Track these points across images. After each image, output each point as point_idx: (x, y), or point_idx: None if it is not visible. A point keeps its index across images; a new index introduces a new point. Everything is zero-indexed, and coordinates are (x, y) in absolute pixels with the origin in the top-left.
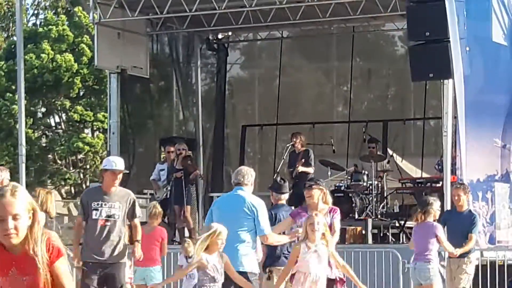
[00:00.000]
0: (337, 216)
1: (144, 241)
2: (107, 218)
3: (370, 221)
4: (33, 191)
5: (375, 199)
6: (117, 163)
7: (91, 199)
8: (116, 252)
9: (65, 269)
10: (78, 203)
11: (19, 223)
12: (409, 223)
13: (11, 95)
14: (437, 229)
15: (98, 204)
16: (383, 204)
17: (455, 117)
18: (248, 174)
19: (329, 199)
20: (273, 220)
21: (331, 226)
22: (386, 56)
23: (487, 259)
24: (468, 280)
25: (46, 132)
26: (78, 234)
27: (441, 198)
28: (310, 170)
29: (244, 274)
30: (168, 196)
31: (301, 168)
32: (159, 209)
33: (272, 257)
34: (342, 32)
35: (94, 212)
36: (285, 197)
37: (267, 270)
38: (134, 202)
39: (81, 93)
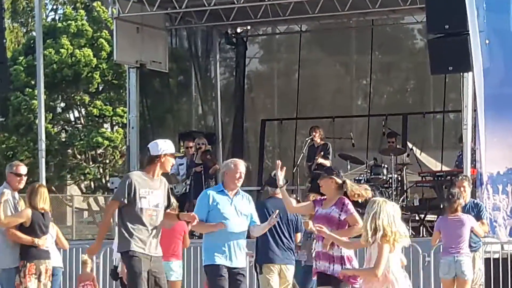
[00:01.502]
0: (347, 208)
1: (165, 235)
2: (154, 208)
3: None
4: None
5: (394, 193)
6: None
7: (139, 185)
8: (159, 246)
9: None
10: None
11: None
12: (429, 217)
13: (30, 90)
14: (472, 221)
15: (146, 192)
16: (403, 197)
17: (474, 110)
18: None
19: (346, 188)
20: (266, 212)
21: (340, 221)
22: (405, 49)
23: (508, 252)
24: (482, 275)
25: (66, 127)
26: (110, 222)
27: None
28: (327, 163)
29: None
30: (187, 191)
31: (320, 160)
32: (176, 203)
33: (263, 254)
34: (361, 26)
35: (142, 200)
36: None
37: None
38: (169, 189)
39: (100, 88)
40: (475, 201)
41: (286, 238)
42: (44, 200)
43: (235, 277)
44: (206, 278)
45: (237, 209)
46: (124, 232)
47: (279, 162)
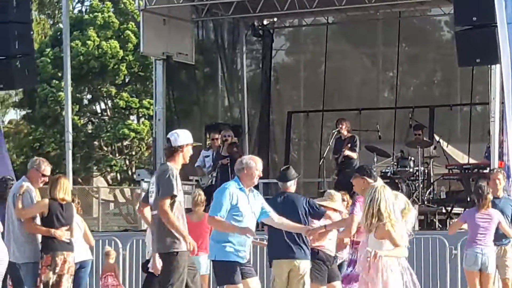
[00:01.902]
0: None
1: (193, 229)
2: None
3: (416, 207)
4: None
5: (421, 185)
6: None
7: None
8: None
9: None
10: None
11: None
12: (456, 210)
13: (57, 82)
14: (499, 216)
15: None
16: (429, 190)
17: (502, 103)
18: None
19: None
20: (279, 206)
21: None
22: (432, 41)
23: None
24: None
25: (92, 119)
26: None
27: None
28: (354, 155)
29: None
30: (213, 183)
31: (346, 152)
32: (203, 196)
33: (271, 249)
34: (388, 18)
35: (180, 193)
36: (291, 184)
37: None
38: None
39: (127, 80)
40: (506, 196)
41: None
42: (64, 191)
43: (245, 271)
44: (215, 272)
45: (251, 207)
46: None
47: None
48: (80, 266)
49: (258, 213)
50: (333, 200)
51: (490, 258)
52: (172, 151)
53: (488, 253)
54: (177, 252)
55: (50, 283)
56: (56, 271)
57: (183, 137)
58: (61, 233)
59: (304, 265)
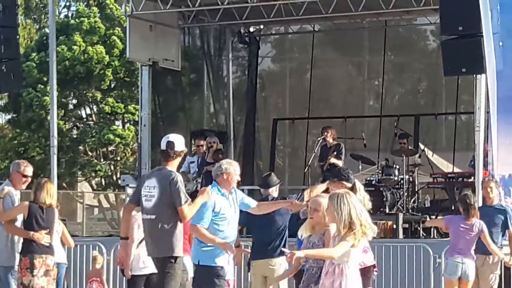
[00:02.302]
0: None
1: None
2: None
3: (401, 215)
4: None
5: (406, 194)
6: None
7: None
8: None
9: None
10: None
11: None
12: (440, 218)
13: (42, 86)
14: (483, 228)
15: None
16: (414, 198)
17: (487, 112)
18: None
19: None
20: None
21: None
22: (418, 50)
23: None
24: (495, 279)
25: (77, 123)
26: None
27: (473, 193)
28: (340, 163)
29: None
30: (198, 189)
31: (332, 160)
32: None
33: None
34: (374, 26)
35: None
36: (272, 190)
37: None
38: None
39: (112, 85)
40: (503, 205)
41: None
42: (50, 196)
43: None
44: (197, 276)
45: (234, 209)
46: (178, 234)
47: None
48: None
49: (240, 207)
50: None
51: (470, 267)
52: (174, 156)
53: (469, 262)
54: (176, 258)
55: (30, 286)
56: (35, 273)
57: (183, 143)
58: (40, 236)
59: (280, 262)
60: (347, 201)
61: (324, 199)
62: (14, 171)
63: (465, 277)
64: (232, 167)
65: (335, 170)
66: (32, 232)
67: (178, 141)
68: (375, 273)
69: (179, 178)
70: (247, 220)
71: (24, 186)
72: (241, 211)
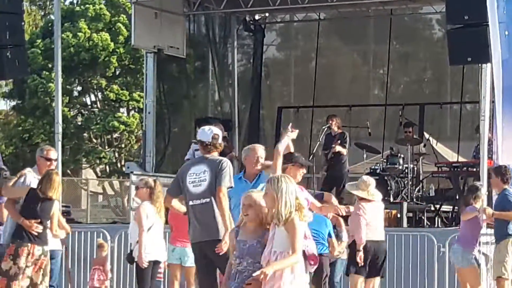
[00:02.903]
0: None
1: (182, 220)
2: None
3: (405, 204)
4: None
5: (410, 183)
6: None
7: None
8: None
9: None
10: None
11: None
12: (444, 207)
13: (47, 73)
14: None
15: None
16: (418, 187)
17: (492, 102)
18: None
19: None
20: None
21: None
22: (423, 40)
23: None
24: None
25: (82, 110)
26: None
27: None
28: (344, 151)
29: None
30: None
31: (337, 148)
32: None
33: None
34: (379, 15)
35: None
36: None
37: None
38: None
39: (117, 72)
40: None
41: None
42: (52, 188)
43: None
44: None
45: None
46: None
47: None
48: (50, 257)
49: None
50: (364, 189)
51: (477, 255)
52: (218, 147)
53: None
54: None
55: (10, 273)
56: (16, 261)
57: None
58: (29, 224)
59: None
60: (287, 182)
61: (257, 194)
62: (38, 156)
63: (475, 264)
64: (250, 150)
65: (290, 156)
66: (22, 218)
67: (220, 134)
68: (310, 264)
69: (229, 163)
70: None
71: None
72: None
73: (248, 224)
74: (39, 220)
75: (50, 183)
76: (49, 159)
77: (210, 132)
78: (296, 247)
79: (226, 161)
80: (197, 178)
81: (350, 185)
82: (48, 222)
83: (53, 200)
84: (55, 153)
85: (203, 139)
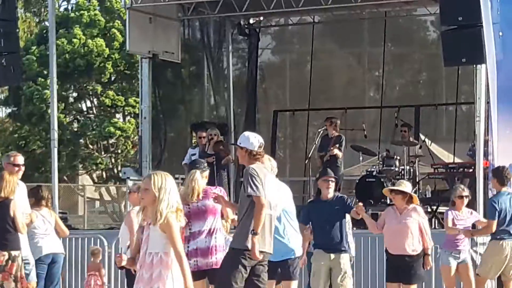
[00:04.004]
0: None
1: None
2: None
3: None
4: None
5: None
6: None
7: None
8: None
9: None
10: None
11: None
12: (441, 209)
13: (43, 80)
14: (475, 216)
15: None
16: (415, 189)
17: (487, 102)
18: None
19: None
20: None
21: None
22: (418, 41)
23: None
24: None
25: (78, 117)
26: None
27: (474, 183)
28: (340, 154)
29: None
30: None
31: (335, 151)
32: None
33: None
34: (374, 17)
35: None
36: None
37: None
38: None
39: (113, 78)
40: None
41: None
42: (3, 188)
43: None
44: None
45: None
46: (249, 227)
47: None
48: (52, 261)
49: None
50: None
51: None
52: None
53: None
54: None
55: None
56: None
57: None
58: None
59: None
60: (168, 180)
61: (157, 176)
62: (5, 163)
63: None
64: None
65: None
66: None
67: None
68: None
69: (252, 170)
70: None
71: (19, 175)
72: None
73: (147, 208)
74: None
75: (1, 183)
76: (17, 165)
77: (259, 140)
78: (178, 247)
79: (249, 168)
80: None
81: None
82: (12, 223)
83: (10, 200)
84: (22, 159)
85: (255, 148)
